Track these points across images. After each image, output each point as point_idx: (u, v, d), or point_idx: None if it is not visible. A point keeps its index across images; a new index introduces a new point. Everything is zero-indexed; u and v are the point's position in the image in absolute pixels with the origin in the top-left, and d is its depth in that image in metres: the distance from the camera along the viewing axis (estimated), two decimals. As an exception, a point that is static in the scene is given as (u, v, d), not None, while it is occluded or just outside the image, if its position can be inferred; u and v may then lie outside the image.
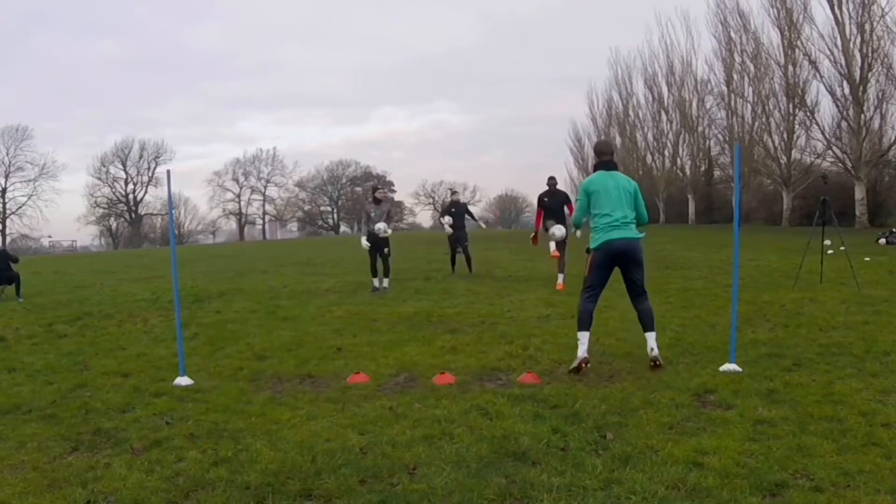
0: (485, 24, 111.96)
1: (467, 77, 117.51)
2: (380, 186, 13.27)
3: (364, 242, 11.19)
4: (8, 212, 61.22)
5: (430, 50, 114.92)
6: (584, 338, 5.42)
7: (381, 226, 10.99)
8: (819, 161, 32.78)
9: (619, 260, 5.53)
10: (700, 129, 44.51)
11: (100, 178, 67.68)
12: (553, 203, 11.21)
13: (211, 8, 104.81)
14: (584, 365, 5.33)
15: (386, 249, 11.14)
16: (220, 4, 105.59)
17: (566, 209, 11.12)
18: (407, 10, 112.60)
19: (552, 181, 11.38)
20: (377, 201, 11.52)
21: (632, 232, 5.54)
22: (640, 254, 5.55)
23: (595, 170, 5.77)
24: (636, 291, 5.60)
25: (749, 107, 36.31)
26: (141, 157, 68.90)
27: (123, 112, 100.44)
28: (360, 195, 69.71)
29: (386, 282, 11.27)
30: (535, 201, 12.04)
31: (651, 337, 5.48)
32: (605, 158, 5.74)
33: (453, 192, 16.09)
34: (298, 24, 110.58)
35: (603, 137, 49.56)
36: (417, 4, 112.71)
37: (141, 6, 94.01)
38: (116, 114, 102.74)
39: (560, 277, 11.01)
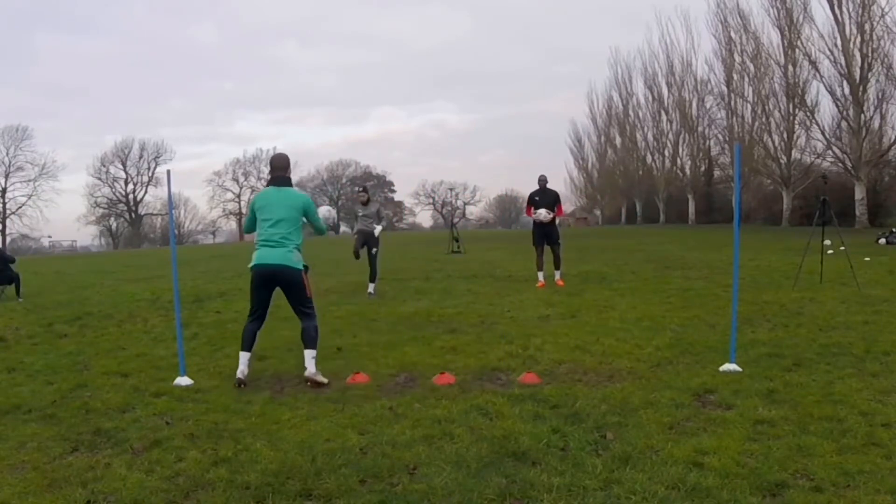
0: (484, 23, 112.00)
1: (466, 77, 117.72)
2: (359, 189, 12.98)
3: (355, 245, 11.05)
4: (8, 212, 61.34)
5: (429, 50, 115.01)
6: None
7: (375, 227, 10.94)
8: (819, 161, 32.85)
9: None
10: (700, 129, 44.61)
11: (100, 178, 67.94)
12: (543, 201, 11.35)
13: (209, 7, 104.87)
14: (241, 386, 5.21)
15: (374, 249, 10.88)
16: (218, 4, 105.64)
17: (555, 208, 11.36)
18: (406, 9, 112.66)
19: (543, 179, 11.45)
20: (363, 203, 11.41)
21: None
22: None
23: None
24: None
25: (749, 107, 36.38)
26: (141, 157, 69.21)
27: (122, 112, 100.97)
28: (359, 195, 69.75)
29: (371, 287, 10.78)
30: None
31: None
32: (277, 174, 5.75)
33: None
34: (297, 24, 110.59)
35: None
36: (417, 3, 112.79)
37: (140, 5, 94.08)
38: (115, 114, 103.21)
39: (557, 274, 11.35)
